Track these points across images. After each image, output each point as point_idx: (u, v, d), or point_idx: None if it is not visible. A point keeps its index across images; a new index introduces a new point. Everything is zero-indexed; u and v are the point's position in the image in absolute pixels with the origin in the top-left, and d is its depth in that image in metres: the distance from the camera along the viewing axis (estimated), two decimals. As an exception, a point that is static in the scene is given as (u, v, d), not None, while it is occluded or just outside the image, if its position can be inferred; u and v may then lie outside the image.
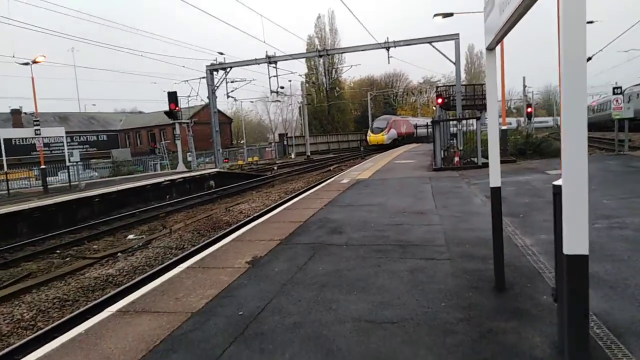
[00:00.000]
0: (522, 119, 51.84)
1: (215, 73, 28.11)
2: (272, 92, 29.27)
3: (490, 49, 3.78)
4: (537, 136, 25.69)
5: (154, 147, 41.71)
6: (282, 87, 29.89)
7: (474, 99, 34.21)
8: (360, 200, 9.74)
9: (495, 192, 4.05)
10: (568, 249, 1.86)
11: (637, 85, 38.52)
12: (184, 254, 8.62)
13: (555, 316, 3.40)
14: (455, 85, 26.14)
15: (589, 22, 20.64)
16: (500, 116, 26.37)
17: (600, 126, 39.13)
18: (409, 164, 19.16)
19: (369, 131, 43.43)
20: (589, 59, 21.72)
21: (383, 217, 7.79)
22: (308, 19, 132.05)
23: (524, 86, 50.08)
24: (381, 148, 39.61)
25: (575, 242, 1.84)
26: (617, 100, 16.38)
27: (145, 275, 7.57)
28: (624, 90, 19.91)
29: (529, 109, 40.36)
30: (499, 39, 3.41)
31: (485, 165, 16.06)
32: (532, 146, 19.82)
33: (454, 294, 4.07)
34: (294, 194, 15.58)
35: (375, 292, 4.21)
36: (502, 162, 15.07)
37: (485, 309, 3.74)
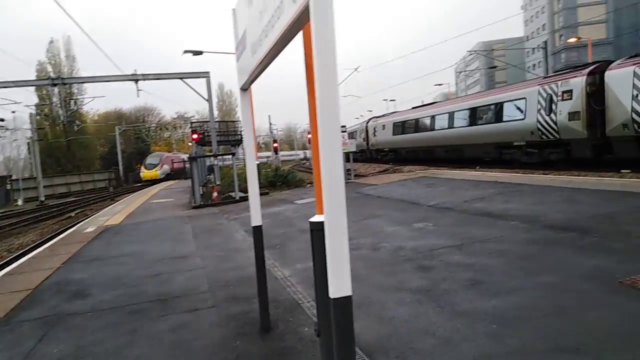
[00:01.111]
0: (270, 153, 56.77)
1: None
2: (-15, 125, 23.53)
3: (244, 89, 3.77)
4: (284, 169, 28.36)
5: None
6: (1, 120, 24.35)
7: (227, 134, 35.60)
8: (110, 252, 8.52)
9: (257, 231, 4.01)
10: (333, 292, 1.83)
11: (352, 126, 47.57)
12: None
13: (317, 349, 3.53)
14: (209, 121, 26.53)
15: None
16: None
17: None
18: (167, 202, 18.19)
19: (142, 167, 45.48)
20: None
21: (139, 268, 6.96)
22: (40, 43, 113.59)
23: (270, 123, 55.13)
24: (139, 186, 38.16)
25: (340, 284, 1.82)
26: (343, 137, 19.58)
27: None
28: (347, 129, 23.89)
29: (275, 144, 44.57)
30: (253, 79, 3.40)
31: (243, 199, 16.66)
32: (281, 178, 21.68)
33: (221, 348, 3.79)
34: (19, 253, 12.60)
35: (131, 366, 3.55)
36: (257, 195, 15.49)
37: (254, 357, 3.59)
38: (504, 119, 19.03)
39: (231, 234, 9.55)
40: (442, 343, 3.45)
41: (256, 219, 3.93)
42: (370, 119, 38.90)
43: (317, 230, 2.90)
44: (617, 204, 7.74)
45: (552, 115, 16.17)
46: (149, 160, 46.17)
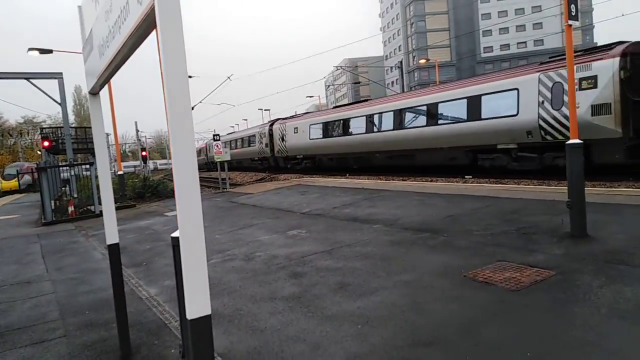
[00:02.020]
0: (139, 162, 53.02)
1: None
2: None
3: (94, 93, 3.45)
4: (153, 179, 26.60)
5: None
6: None
7: (86, 142, 32.27)
8: None
9: (113, 250, 3.66)
10: (191, 313, 1.73)
11: (229, 134, 46.48)
12: None
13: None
14: (63, 127, 23.73)
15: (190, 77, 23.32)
16: (116, 161, 25.82)
17: (209, 167, 44.89)
18: (11, 219, 15.72)
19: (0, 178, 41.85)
20: (192, 108, 24.44)
21: (-33, 299, 5.86)
22: None
23: (137, 130, 51.48)
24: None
25: (198, 304, 1.73)
26: (217, 145, 19.08)
27: None
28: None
29: (144, 153, 41.67)
30: (102, 82, 3.12)
31: (104, 213, 15.13)
32: (150, 189, 20.29)
33: (72, 382, 3.36)
34: None
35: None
36: (121, 207, 14.38)
37: (113, 387, 3.25)
38: (484, 116, 15.19)
39: (88, 252, 8.62)
40: (312, 348, 3.52)
41: (112, 236, 3.59)
42: (275, 120, 33.24)
43: (178, 245, 2.75)
44: (461, 206, 8.81)
45: (564, 109, 12.76)
46: (7, 170, 42.99)
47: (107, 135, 38.38)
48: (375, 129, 20.83)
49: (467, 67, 72.75)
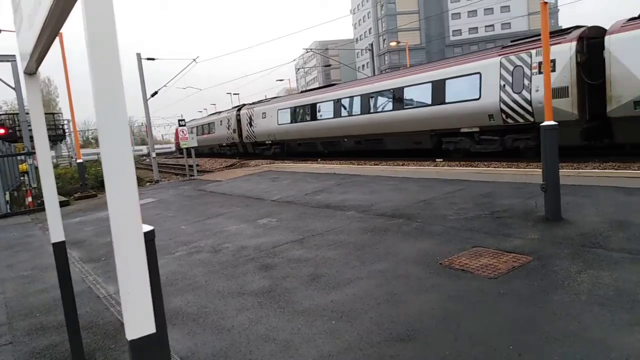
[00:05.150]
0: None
1: None
2: None
3: (30, 73, 3.03)
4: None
5: None
6: None
7: (50, 129, 30.79)
8: None
9: (58, 249, 3.29)
10: (130, 332, 1.43)
11: (192, 120, 45.52)
12: None
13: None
14: (19, 113, 22.40)
15: (150, 59, 22.32)
16: (74, 149, 24.67)
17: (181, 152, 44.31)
18: (-41, 213, 14.74)
19: None
20: (155, 93, 23.45)
21: None
22: None
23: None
24: None
25: (138, 321, 1.43)
26: (182, 132, 18.43)
27: None
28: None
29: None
30: (37, 60, 2.72)
31: (64, 203, 14.43)
32: (115, 177, 19.47)
33: (15, 397, 3.01)
34: None
35: None
36: (81, 198, 13.62)
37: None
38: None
39: (44, 247, 8.07)
40: (282, 348, 3.28)
41: (57, 233, 3.21)
42: (242, 105, 32.28)
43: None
44: (434, 191, 8.70)
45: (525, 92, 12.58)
46: None
47: (67, 121, 36.61)
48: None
49: (437, 50, 73.16)
